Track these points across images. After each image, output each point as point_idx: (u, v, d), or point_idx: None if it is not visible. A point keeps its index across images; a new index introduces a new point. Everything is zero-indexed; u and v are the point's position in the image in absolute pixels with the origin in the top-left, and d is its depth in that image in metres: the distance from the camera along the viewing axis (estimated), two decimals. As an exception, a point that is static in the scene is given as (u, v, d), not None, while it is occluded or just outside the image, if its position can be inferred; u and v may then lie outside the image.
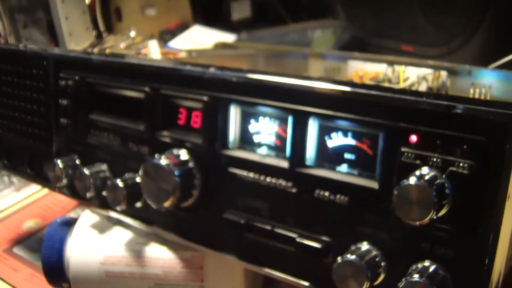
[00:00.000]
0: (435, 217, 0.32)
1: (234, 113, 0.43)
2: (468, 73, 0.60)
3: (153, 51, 0.74)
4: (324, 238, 0.39)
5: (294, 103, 0.39)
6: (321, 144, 0.39)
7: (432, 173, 0.32)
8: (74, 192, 0.53)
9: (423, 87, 0.63)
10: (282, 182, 0.40)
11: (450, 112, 0.32)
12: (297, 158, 0.40)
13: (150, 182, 0.44)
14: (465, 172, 0.32)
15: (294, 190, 0.40)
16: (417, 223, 0.32)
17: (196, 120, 0.45)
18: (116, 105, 0.50)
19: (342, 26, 0.95)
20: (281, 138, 0.41)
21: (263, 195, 0.42)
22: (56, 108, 0.55)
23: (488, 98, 0.58)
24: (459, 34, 0.80)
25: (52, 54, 0.55)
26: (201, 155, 0.44)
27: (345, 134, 0.38)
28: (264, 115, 0.42)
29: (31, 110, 0.57)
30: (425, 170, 0.33)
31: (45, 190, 0.78)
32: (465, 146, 0.32)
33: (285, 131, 0.41)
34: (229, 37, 1.00)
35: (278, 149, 0.42)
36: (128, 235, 0.51)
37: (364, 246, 0.37)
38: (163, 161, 0.43)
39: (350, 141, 0.38)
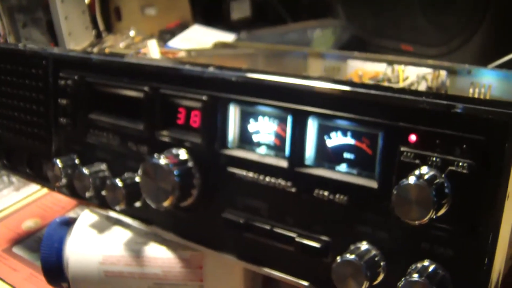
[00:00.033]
0: (434, 217, 0.32)
1: (234, 113, 0.43)
2: (468, 72, 0.60)
3: (153, 51, 0.74)
4: (324, 238, 0.39)
5: (294, 102, 0.39)
6: (321, 143, 0.39)
7: (432, 173, 0.32)
8: (74, 191, 0.53)
9: (422, 87, 0.63)
10: (282, 182, 0.40)
11: (449, 112, 0.32)
12: (296, 158, 0.40)
13: (149, 181, 0.44)
14: (465, 171, 0.32)
15: (293, 189, 0.40)
16: (417, 222, 0.32)
17: (196, 120, 0.45)
18: (116, 105, 0.50)
19: (342, 25, 0.95)
20: (281, 138, 0.41)
21: (262, 194, 0.42)
22: (56, 108, 0.55)
23: (487, 97, 0.58)
24: (459, 34, 0.80)
25: (51, 54, 0.55)
26: (200, 155, 0.44)
27: (345, 133, 0.38)
28: (264, 114, 0.42)
29: (30, 110, 0.57)
30: (424, 169, 0.33)
31: (45, 190, 0.78)
32: (464, 146, 0.32)
33: (284, 130, 0.41)
34: (228, 37, 1.00)
35: (277, 148, 0.42)
36: (127, 234, 0.51)
37: (364, 245, 0.37)
38: (162, 160, 0.43)
39: (349, 140, 0.38)
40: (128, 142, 0.49)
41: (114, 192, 0.47)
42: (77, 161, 0.54)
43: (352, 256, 0.35)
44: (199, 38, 0.99)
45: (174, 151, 0.45)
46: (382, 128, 0.35)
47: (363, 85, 0.37)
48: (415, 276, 0.33)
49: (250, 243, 0.43)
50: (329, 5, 1.01)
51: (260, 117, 0.42)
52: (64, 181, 0.53)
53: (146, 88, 0.47)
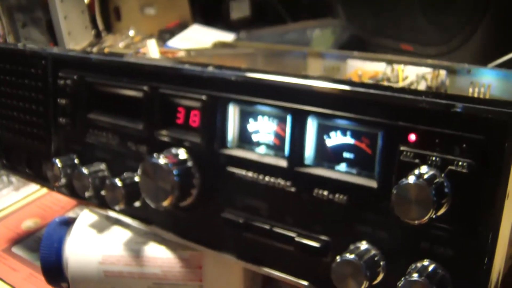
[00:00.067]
0: (434, 216, 0.32)
1: (233, 112, 0.43)
2: (467, 72, 0.60)
3: (152, 50, 0.74)
4: (323, 238, 0.39)
5: (293, 102, 0.39)
6: (320, 143, 0.39)
7: (431, 172, 0.32)
8: (73, 191, 0.53)
9: (422, 86, 0.63)
10: (281, 181, 0.40)
11: (449, 111, 0.32)
12: (296, 157, 0.40)
13: (149, 181, 0.44)
14: (464, 171, 0.32)
15: (293, 189, 0.40)
16: (416, 222, 0.32)
17: (195, 119, 0.44)
18: (115, 104, 0.50)
19: (342, 25, 0.95)
20: (280, 137, 0.41)
21: (262, 194, 0.42)
22: (55, 108, 0.55)
23: (487, 97, 0.58)
24: (458, 34, 0.80)
25: (51, 54, 0.55)
26: (200, 154, 0.44)
27: (344, 133, 0.38)
28: (263, 114, 0.42)
29: (29, 110, 0.57)
30: (424, 169, 0.33)
31: (44, 190, 0.78)
32: (464, 145, 0.32)
33: (284, 130, 0.41)
34: (228, 36, 1.00)
35: (277, 148, 0.41)
36: (126, 234, 0.51)
37: (363, 245, 0.37)
38: (162, 160, 0.43)
39: (349, 140, 0.38)
40: (128, 142, 0.49)
41: (114, 192, 0.47)
42: (76, 161, 0.54)
43: (352, 256, 0.35)
44: (198, 37, 0.99)
45: (173, 150, 0.45)
46: (382, 127, 0.35)
47: (362, 85, 0.37)
48: (415, 276, 0.33)
49: (250, 242, 0.43)
50: (329, 5, 1.01)
51: (259, 117, 0.42)
52: (63, 181, 0.53)
53: (145, 88, 0.47)
